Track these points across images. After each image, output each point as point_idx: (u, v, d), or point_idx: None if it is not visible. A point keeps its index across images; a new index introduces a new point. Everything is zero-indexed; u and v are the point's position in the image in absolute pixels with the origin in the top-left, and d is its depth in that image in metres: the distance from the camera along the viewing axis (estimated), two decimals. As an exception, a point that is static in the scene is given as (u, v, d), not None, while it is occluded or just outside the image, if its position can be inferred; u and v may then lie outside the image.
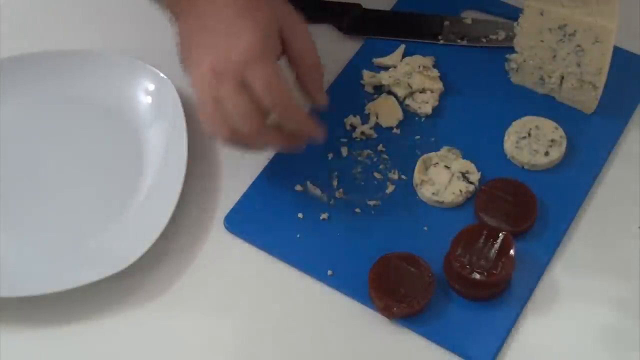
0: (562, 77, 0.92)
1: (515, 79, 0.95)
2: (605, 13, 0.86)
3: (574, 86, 0.91)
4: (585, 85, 0.91)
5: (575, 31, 0.87)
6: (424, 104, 0.93)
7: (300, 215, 0.88)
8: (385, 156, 0.91)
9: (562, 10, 0.87)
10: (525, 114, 0.91)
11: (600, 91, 0.91)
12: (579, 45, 0.88)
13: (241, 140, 0.82)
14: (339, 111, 0.94)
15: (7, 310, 0.84)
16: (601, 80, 0.90)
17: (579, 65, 0.90)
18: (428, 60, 0.96)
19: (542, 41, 0.90)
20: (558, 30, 0.88)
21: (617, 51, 0.90)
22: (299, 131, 0.84)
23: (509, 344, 0.80)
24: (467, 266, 0.81)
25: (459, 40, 0.98)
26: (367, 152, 0.91)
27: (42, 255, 0.86)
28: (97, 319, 0.83)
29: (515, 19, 0.91)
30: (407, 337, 0.81)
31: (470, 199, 0.88)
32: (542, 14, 0.88)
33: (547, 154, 0.89)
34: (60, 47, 0.99)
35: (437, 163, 0.89)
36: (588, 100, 0.92)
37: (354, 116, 0.93)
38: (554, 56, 0.91)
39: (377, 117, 0.93)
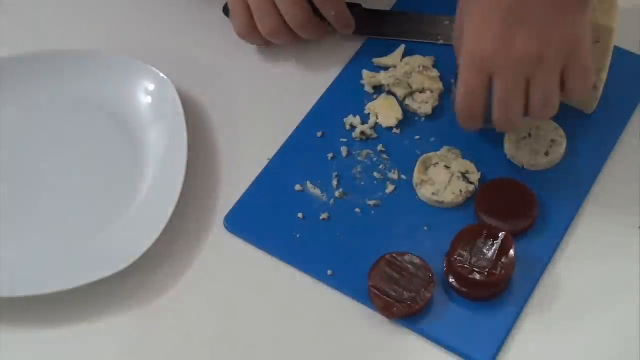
0: (562, 77, 0.92)
1: (515, 79, 0.95)
2: (605, 13, 0.86)
3: (573, 85, 0.91)
4: (585, 84, 0.91)
5: None
6: (424, 104, 0.93)
7: (300, 215, 0.88)
8: (385, 156, 0.91)
9: None
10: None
11: (600, 91, 0.91)
12: None
13: (285, 35, 0.94)
14: (339, 111, 0.94)
15: (7, 310, 0.84)
16: (601, 80, 0.90)
17: (579, 64, 0.90)
18: (428, 60, 0.96)
19: None
20: None
21: (617, 51, 0.90)
22: (334, 21, 0.96)
23: (509, 344, 0.80)
24: (467, 266, 0.81)
25: None
26: (367, 152, 0.91)
27: (42, 255, 0.86)
28: (97, 319, 0.83)
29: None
30: (407, 337, 0.81)
31: (470, 199, 0.88)
32: None
33: (547, 154, 0.89)
34: (60, 47, 0.99)
35: (437, 163, 0.89)
36: (588, 100, 0.92)
37: (354, 116, 0.93)
38: (554, 56, 0.91)
39: (377, 117, 0.93)
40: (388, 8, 1.02)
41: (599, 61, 0.88)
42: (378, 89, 0.95)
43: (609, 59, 0.89)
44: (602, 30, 0.86)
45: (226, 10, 1.00)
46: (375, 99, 0.95)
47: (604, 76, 0.90)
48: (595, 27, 0.86)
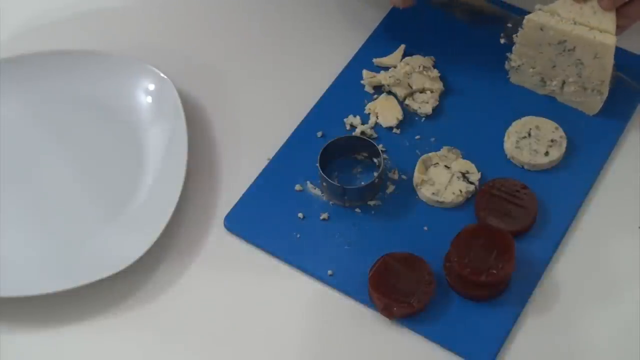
0: (564, 82, 0.92)
1: (515, 78, 0.95)
2: (604, 26, 0.86)
3: (575, 90, 0.91)
4: (588, 90, 0.90)
5: (575, 47, 0.87)
6: (424, 104, 0.93)
7: (300, 215, 0.88)
8: (385, 156, 0.91)
9: (561, 26, 0.87)
10: (525, 114, 0.91)
11: (605, 97, 0.91)
12: (579, 59, 0.88)
13: None
14: (339, 111, 0.94)
15: (7, 310, 0.84)
16: (605, 88, 0.90)
17: (580, 76, 0.90)
18: (428, 60, 0.96)
19: (541, 53, 0.90)
20: (557, 45, 0.88)
21: (617, 51, 0.89)
22: None
23: (509, 344, 0.80)
24: (467, 266, 0.81)
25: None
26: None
27: (42, 255, 0.86)
28: (97, 319, 0.83)
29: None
30: (407, 337, 0.81)
31: (470, 199, 0.88)
32: (542, 30, 0.88)
33: (547, 154, 0.89)
34: (60, 47, 0.99)
35: (437, 163, 0.89)
36: (591, 102, 0.92)
37: (354, 116, 0.93)
38: (554, 66, 0.90)
39: (377, 117, 0.93)
40: (388, 8, 1.02)
41: (600, 74, 0.88)
42: (378, 89, 0.96)
43: (610, 71, 0.88)
44: (601, 47, 0.86)
45: None
46: (375, 99, 0.95)
47: (607, 85, 0.90)
48: (594, 44, 0.86)
